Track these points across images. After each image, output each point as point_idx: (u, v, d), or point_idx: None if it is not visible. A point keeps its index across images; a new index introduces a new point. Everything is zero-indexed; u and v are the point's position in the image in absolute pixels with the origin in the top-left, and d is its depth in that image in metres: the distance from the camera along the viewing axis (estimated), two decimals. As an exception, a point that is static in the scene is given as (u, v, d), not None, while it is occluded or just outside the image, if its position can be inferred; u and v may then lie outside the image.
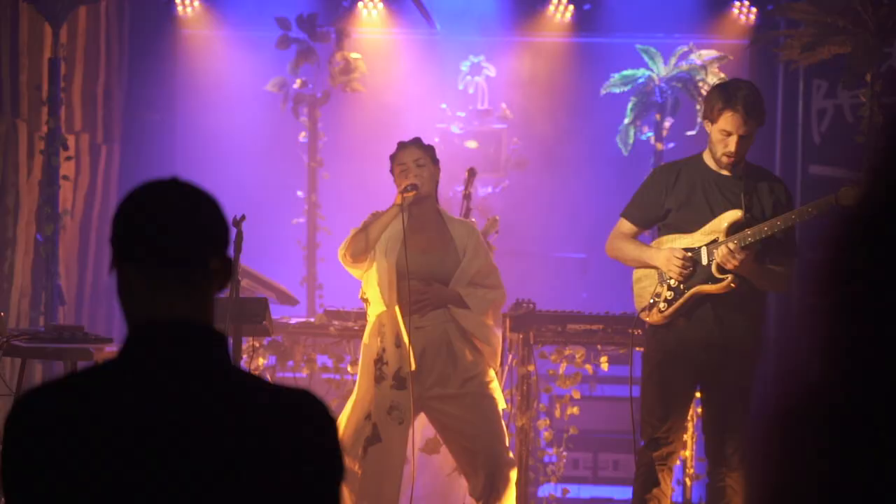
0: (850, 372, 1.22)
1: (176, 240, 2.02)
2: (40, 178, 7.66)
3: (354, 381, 6.69)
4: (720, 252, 5.10)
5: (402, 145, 5.57)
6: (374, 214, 5.53)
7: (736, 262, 5.08)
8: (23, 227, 7.63)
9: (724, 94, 5.16)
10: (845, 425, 1.20)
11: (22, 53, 7.68)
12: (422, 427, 5.80)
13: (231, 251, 2.12)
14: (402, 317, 5.34)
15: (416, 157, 5.48)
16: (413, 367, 5.30)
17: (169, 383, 1.97)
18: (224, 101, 9.59)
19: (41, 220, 7.52)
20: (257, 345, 6.65)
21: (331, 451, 2.03)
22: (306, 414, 2.02)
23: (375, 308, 5.40)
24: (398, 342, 5.34)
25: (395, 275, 5.35)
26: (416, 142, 5.58)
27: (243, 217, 4.93)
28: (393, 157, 5.56)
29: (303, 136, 9.36)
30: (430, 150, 5.58)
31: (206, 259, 2.03)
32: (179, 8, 9.55)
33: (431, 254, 5.46)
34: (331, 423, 2.04)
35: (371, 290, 5.43)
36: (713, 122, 5.17)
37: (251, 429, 1.97)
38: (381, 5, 9.50)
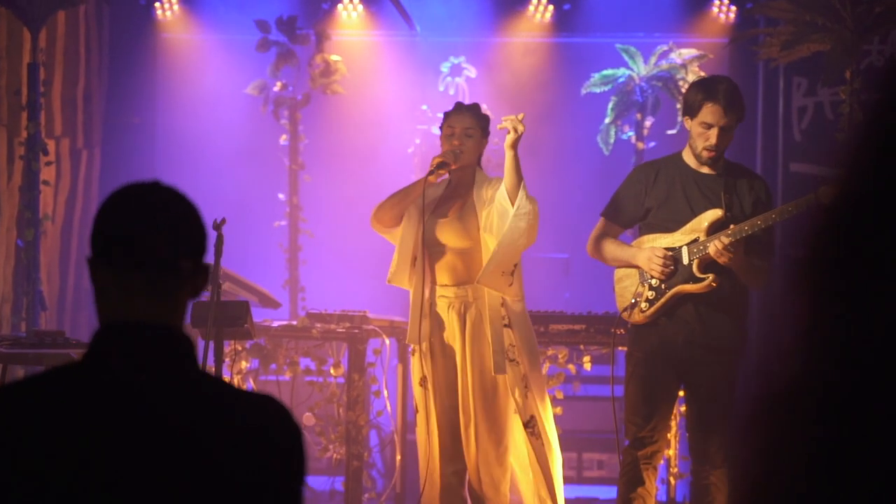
0: (829, 368, 1.23)
1: (143, 241, 2.02)
2: (20, 183, 7.63)
3: (337, 384, 6.70)
4: (713, 247, 5.11)
5: (458, 107, 5.45)
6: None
7: (730, 256, 5.09)
8: (3, 232, 7.60)
9: (704, 88, 5.19)
10: (825, 421, 1.20)
11: (0, 58, 7.65)
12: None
13: (208, 256, 2.11)
14: (430, 285, 5.35)
15: (466, 124, 5.36)
16: (424, 342, 5.30)
17: (128, 385, 1.96)
18: (204, 105, 9.58)
19: (22, 226, 7.49)
20: (239, 348, 6.64)
21: (291, 457, 2.02)
22: (268, 419, 2.01)
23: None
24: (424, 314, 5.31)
25: (417, 248, 5.31)
26: (474, 108, 5.45)
27: (224, 220, 4.92)
28: (446, 116, 5.45)
29: (284, 139, 9.35)
30: (484, 120, 5.45)
31: (175, 261, 2.03)
32: (159, 12, 9.53)
33: (449, 223, 5.36)
34: (293, 428, 2.03)
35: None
36: (693, 115, 5.19)
37: (210, 433, 1.96)
38: (360, 7, 9.50)
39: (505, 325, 5.33)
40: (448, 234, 5.36)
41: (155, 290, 2.02)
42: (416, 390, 5.45)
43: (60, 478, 1.91)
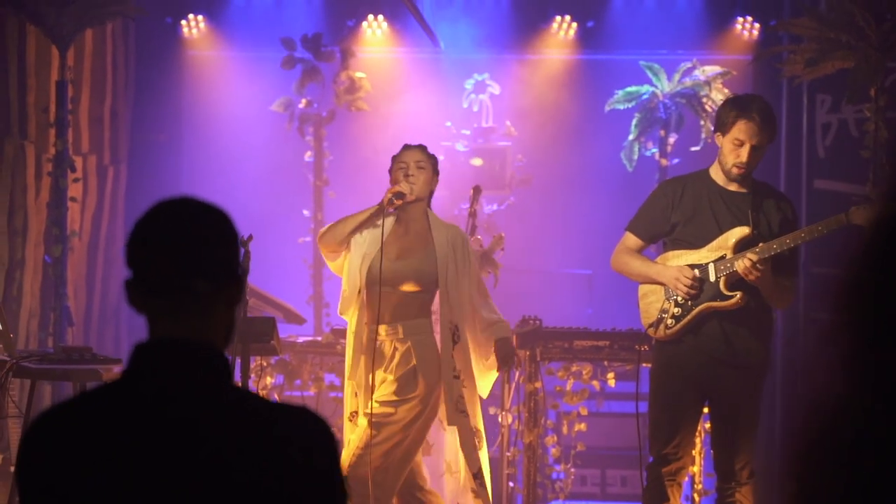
0: (863, 392, 1.23)
1: (156, 265, 2.06)
2: (48, 199, 7.69)
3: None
4: (741, 264, 5.10)
5: (406, 146, 5.57)
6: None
7: (757, 274, 5.09)
8: (31, 248, 7.66)
9: (739, 105, 5.19)
10: (857, 445, 1.20)
11: (29, 76, 7.72)
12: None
13: (234, 269, 2.13)
14: (369, 323, 5.35)
15: (417, 158, 5.48)
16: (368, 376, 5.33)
17: (161, 402, 1.99)
18: (230, 122, 9.63)
19: (49, 242, 7.55)
20: (265, 364, 6.67)
21: (330, 469, 2.04)
22: (306, 431, 2.03)
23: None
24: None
25: (361, 282, 5.34)
26: (421, 146, 5.58)
27: (251, 237, 4.96)
28: (395, 158, 5.56)
29: (308, 156, 9.39)
30: (433, 158, 5.58)
31: (189, 283, 2.05)
32: (185, 29, 9.59)
33: (406, 259, 5.41)
34: (330, 439, 2.05)
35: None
36: (726, 132, 5.19)
37: (248, 447, 1.98)
38: (385, 24, 9.54)
39: (454, 377, 5.37)
40: (407, 277, 5.38)
41: (179, 310, 2.05)
42: (346, 425, 5.46)
43: (106, 496, 1.95)
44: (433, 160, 5.57)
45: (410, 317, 5.37)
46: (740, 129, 5.14)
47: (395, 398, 5.29)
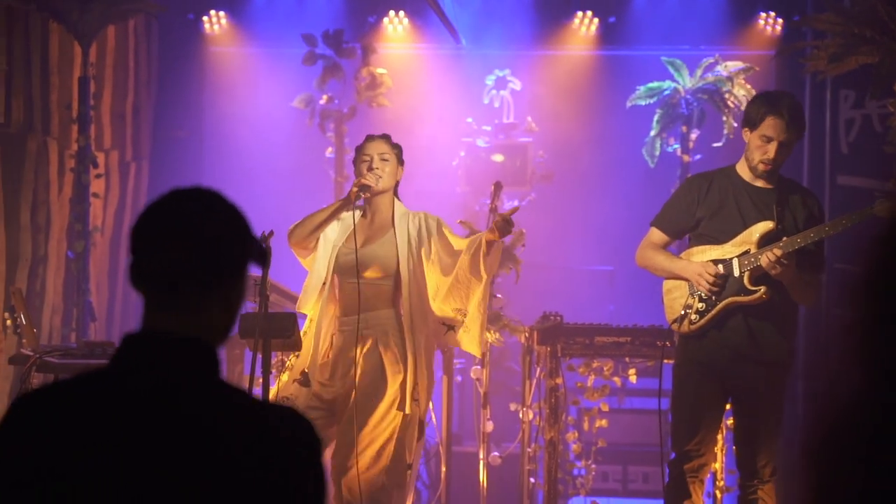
0: (883, 387, 1.21)
1: (151, 254, 2.03)
2: (71, 195, 7.73)
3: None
4: (766, 258, 5.08)
5: (370, 137, 5.55)
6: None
7: (781, 268, 5.07)
8: (54, 244, 7.69)
9: (768, 101, 5.17)
10: (877, 440, 1.19)
11: (52, 72, 7.74)
12: None
13: (233, 270, 2.09)
14: (338, 315, 5.40)
15: (381, 150, 5.48)
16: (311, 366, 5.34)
17: (146, 395, 1.97)
18: (251, 118, 9.65)
19: (72, 237, 7.58)
20: (286, 359, 6.67)
21: (312, 470, 2.02)
22: (289, 431, 2.00)
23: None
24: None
25: (328, 273, 5.36)
26: (385, 136, 5.57)
27: (272, 233, 4.96)
28: (358, 149, 5.54)
29: (329, 152, 9.40)
30: (397, 148, 5.57)
31: (183, 274, 2.02)
32: (207, 25, 9.61)
33: (368, 246, 5.42)
34: (314, 437, 2.03)
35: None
36: (754, 127, 5.16)
37: (229, 443, 1.95)
38: (406, 21, 9.54)
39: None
40: (368, 264, 5.38)
41: (170, 302, 2.03)
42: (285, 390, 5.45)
43: (77, 482, 1.94)
44: (398, 150, 5.58)
45: (376, 308, 5.37)
46: (769, 126, 5.12)
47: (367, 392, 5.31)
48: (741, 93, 8.48)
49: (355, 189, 5.36)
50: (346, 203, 5.39)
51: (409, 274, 5.39)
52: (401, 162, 5.57)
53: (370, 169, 5.42)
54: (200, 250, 2.03)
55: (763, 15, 9.29)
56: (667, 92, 8.84)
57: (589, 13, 9.50)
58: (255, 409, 2.03)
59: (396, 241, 5.43)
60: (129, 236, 2.07)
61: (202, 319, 2.04)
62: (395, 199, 5.56)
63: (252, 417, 2.00)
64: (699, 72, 8.78)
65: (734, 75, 8.66)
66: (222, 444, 1.95)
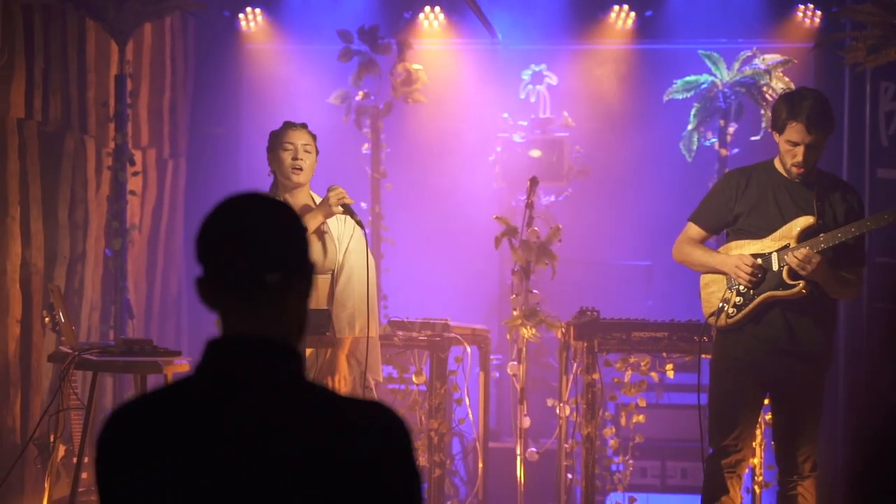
0: None
1: (225, 261, 2.06)
2: (108, 193, 7.76)
3: (419, 392, 6.73)
4: (794, 257, 5.05)
5: (290, 125, 5.54)
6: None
7: (811, 268, 5.03)
8: (92, 242, 7.73)
9: (789, 105, 5.11)
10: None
11: (89, 70, 7.78)
12: None
13: (301, 265, 2.12)
14: None
15: (304, 141, 5.51)
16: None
17: (237, 399, 1.99)
18: (287, 114, 9.57)
19: (109, 235, 7.62)
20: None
21: (407, 463, 2.03)
22: (383, 426, 2.03)
23: None
24: None
25: None
26: (305, 126, 5.57)
27: (306, 229, 4.97)
28: (276, 135, 5.51)
29: (365, 148, 9.40)
30: (315, 138, 5.60)
31: (260, 276, 2.05)
32: (243, 23, 9.64)
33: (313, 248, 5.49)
34: (406, 434, 2.05)
35: None
36: (780, 132, 5.14)
37: (323, 442, 1.98)
38: (441, 16, 9.52)
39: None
40: (316, 258, 5.45)
41: (251, 306, 2.05)
42: None
43: (179, 489, 1.96)
44: (315, 141, 5.60)
45: (321, 306, 5.44)
46: (792, 131, 5.09)
47: None
48: (779, 86, 8.41)
49: (337, 207, 5.36)
50: (328, 216, 5.39)
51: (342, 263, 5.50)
52: (317, 151, 5.57)
53: (294, 158, 5.42)
54: (277, 252, 2.08)
55: (801, 7, 9.21)
56: (704, 86, 8.78)
57: (625, 7, 9.45)
58: (346, 406, 2.05)
59: (334, 238, 5.53)
60: (196, 247, 2.10)
61: (282, 320, 2.08)
62: (311, 192, 5.60)
63: (344, 414, 2.02)
64: (737, 65, 8.71)
65: (772, 68, 8.59)
66: (318, 443, 1.97)
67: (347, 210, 5.42)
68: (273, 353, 2.04)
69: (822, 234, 5.08)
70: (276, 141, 5.50)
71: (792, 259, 5.06)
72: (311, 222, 5.42)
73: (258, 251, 2.06)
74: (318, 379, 5.28)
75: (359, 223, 5.52)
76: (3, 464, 6.67)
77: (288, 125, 5.54)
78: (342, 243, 5.54)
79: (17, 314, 6.88)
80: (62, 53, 7.46)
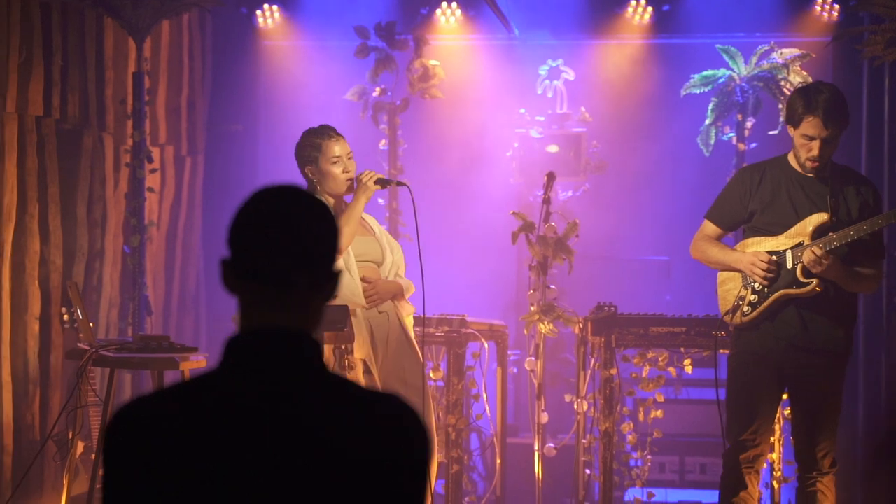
0: None
1: (262, 251, 2.06)
2: (126, 190, 7.78)
3: (437, 388, 6.73)
4: (806, 256, 5.04)
5: (328, 136, 5.52)
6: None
7: (822, 267, 5.02)
8: (110, 239, 7.76)
9: (805, 99, 5.09)
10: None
11: (107, 68, 7.80)
12: None
13: (333, 259, 2.12)
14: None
15: (347, 150, 5.54)
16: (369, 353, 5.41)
17: (258, 391, 2.00)
18: (304, 111, 9.67)
19: (128, 232, 7.64)
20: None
21: (422, 457, 2.04)
22: (402, 419, 2.04)
23: None
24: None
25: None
26: (340, 134, 5.58)
27: (339, 229, 4.99)
28: (316, 148, 5.49)
29: (383, 144, 9.41)
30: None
31: (290, 275, 2.05)
32: (260, 20, 9.65)
33: (362, 236, 5.60)
34: (423, 427, 2.06)
35: None
36: (795, 126, 5.12)
37: (343, 432, 1.99)
38: (458, 12, 9.52)
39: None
40: (371, 254, 5.61)
41: (279, 299, 2.06)
42: None
43: (194, 483, 1.96)
44: None
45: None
46: (808, 126, 5.06)
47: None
48: (797, 80, 8.37)
49: (371, 183, 5.37)
50: (369, 198, 5.43)
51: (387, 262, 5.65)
52: None
53: (346, 171, 5.44)
54: (313, 245, 2.08)
55: (819, 0, 9.18)
56: (722, 80, 8.75)
57: (642, 1, 9.43)
58: (365, 399, 2.05)
59: (374, 233, 5.71)
60: (230, 232, 2.09)
61: (309, 313, 2.08)
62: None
63: (365, 407, 2.03)
64: (754, 59, 8.68)
65: (790, 62, 8.56)
66: (340, 435, 1.98)
67: (384, 183, 5.47)
68: (301, 346, 2.04)
69: (832, 233, 5.07)
70: (320, 155, 5.47)
71: (807, 257, 5.05)
72: (356, 208, 5.45)
73: (294, 249, 2.05)
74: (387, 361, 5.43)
75: (399, 184, 5.64)
76: (23, 460, 6.70)
77: (326, 136, 5.52)
78: (383, 234, 5.71)
79: (35, 311, 6.91)
80: (80, 51, 7.48)
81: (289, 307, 2.06)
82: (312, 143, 5.50)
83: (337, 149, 5.46)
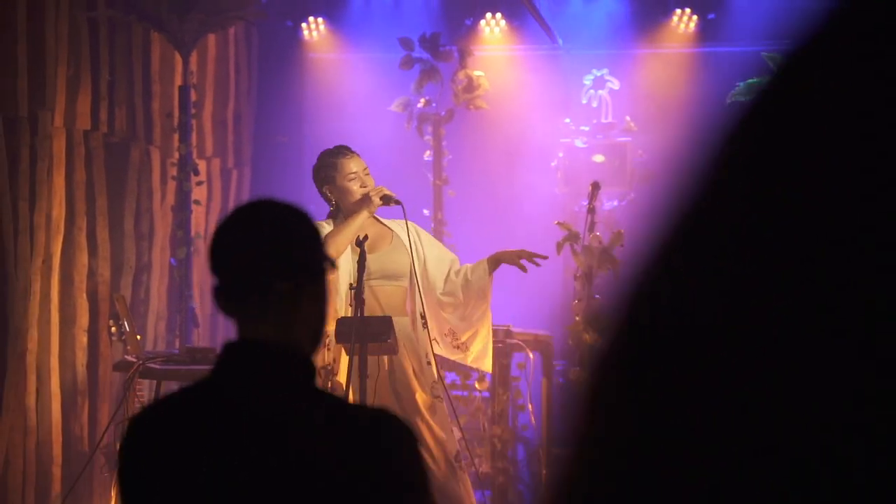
0: None
1: (235, 268, 2.08)
2: (173, 203, 7.84)
3: (482, 398, 6.73)
4: None
5: (343, 154, 5.43)
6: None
7: None
8: (157, 251, 7.82)
9: None
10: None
11: (154, 82, 7.88)
12: None
13: (317, 274, 2.12)
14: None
15: (363, 166, 5.44)
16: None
17: (249, 404, 2.01)
18: (350, 122, 9.71)
19: (175, 245, 7.69)
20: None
21: (413, 472, 2.03)
22: (389, 433, 2.02)
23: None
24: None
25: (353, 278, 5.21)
26: (355, 151, 5.50)
27: (366, 237, 4.99)
28: (332, 167, 5.40)
29: (427, 155, 9.42)
30: None
31: (269, 283, 2.05)
32: (305, 32, 9.70)
33: (378, 251, 5.38)
34: (414, 442, 2.04)
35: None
36: None
37: (329, 449, 1.98)
38: (503, 23, 9.52)
39: (427, 363, 5.36)
40: (385, 270, 5.38)
41: (262, 311, 2.06)
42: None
43: (187, 493, 1.98)
44: None
45: (397, 314, 5.32)
46: None
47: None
48: (844, 87, 8.31)
49: (377, 198, 5.31)
50: (371, 212, 5.35)
51: (416, 275, 5.41)
52: None
53: (363, 186, 5.37)
54: (286, 252, 2.09)
55: (867, 7, 9.10)
56: (768, 88, 8.69)
57: (687, 10, 9.39)
58: (351, 414, 2.06)
59: (404, 245, 5.44)
60: (208, 257, 2.12)
61: (293, 326, 2.08)
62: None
63: (349, 422, 2.03)
64: (801, 67, 8.62)
65: (837, 69, 8.49)
66: (323, 449, 1.98)
67: (387, 200, 5.37)
68: (281, 359, 2.04)
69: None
70: (337, 173, 5.40)
71: None
72: (352, 220, 5.33)
73: (264, 258, 2.06)
74: (380, 385, 5.25)
75: (397, 202, 5.41)
76: (72, 472, 6.76)
77: (341, 154, 5.46)
78: (413, 247, 5.50)
79: (84, 324, 6.97)
80: (127, 65, 7.55)
81: (274, 318, 2.06)
82: (328, 162, 5.45)
83: (353, 165, 5.41)
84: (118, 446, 2.11)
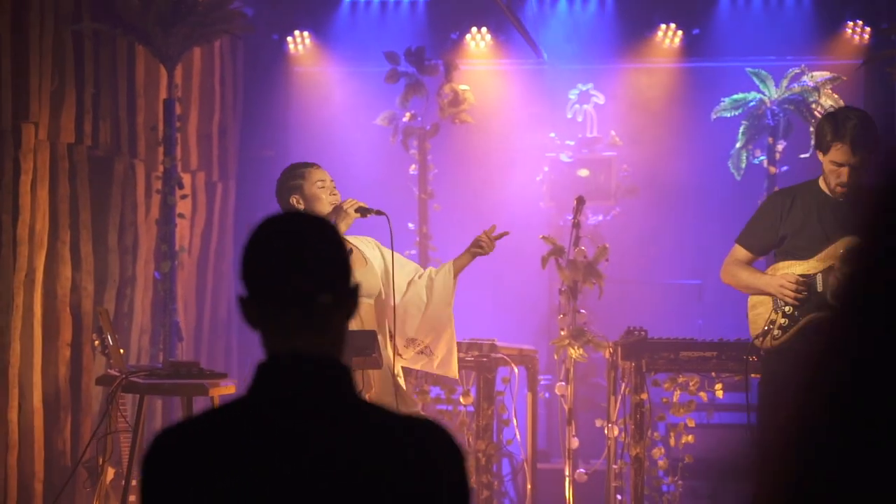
0: None
1: (281, 281, 2.05)
2: (157, 216, 7.82)
3: (467, 413, 6.72)
4: (832, 280, 5.02)
5: (311, 165, 5.41)
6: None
7: None
8: (142, 265, 7.79)
9: (833, 126, 5.08)
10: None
11: (139, 95, 7.86)
12: None
13: (348, 284, 2.12)
14: None
15: (330, 178, 5.41)
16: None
17: (290, 418, 1.99)
18: (335, 136, 9.71)
19: (159, 258, 7.67)
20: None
21: (460, 480, 2.02)
22: (435, 443, 2.02)
23: None
24: None
25: None
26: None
27: (351, 251, 4.97)
28: (300, 176, 5.37)
29: (413, 169, 9.42)
30: None
31: (313, 295, 2.04)
32: (291, 46, 9.70)
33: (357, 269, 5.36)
34: (458, 451, 2.04)
35: None
36: (824, 153, 5.11)
37: (373, 458, 1.97)
38: (488, 37, 9.54)
39: (395, 376, 5.37)
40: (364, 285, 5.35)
41: (301, 324, 2.04)
42: None
43: None
44: None
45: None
46: (837, 153, 5.05)
47: None
48: (828, 103, 8.34)
49: (352, 210, 5.30)
50: (347, 225, 5.34)
51: (384, 293, 5.36)
52: None
53: (332, 193, 5.37)
54: (329, 270, 2.08)
55: (850, 24, 9.14)
56: (752, 103, 8.73)
57: (672, 25, 9.42)
58: (398, 424, 2.04)
59: (371, 263, 5.40)
60: (241, 269, 2.08)
61: (328, 338, 2.06)
62: None
63: (397, 432, 2.02)
64: (785, 82, 8.66)
65: (821, 85, 8.52)
66: (373, 461, 1.97)
67: (364, 211, 5.35)
68: (328, 370, 2.03)
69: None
70: (304, 181, 5.37)
71: (829, 282, 5.03)
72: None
73: (312, 270, 2.05)
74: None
75: (378, 213, 5.41)
76: (53, 487, 6.72)
77: (307, 165, 5.42)
78: (381, 266, 5.48)
79: (67, 338, 6.94)
80: (112, 78, 7.54)
81: (314, 329, 2.04)
82: (294, 173, 5.42)
83: (321, 173, 5.41)
84: (142, 463, 2.06)
